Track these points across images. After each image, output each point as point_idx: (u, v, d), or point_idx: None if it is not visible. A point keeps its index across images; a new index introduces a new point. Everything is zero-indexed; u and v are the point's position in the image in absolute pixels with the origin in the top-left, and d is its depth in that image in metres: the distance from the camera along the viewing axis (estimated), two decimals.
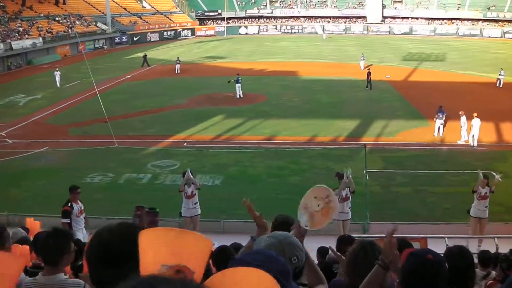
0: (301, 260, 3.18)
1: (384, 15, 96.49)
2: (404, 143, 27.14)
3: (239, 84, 39.40)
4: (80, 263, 6.39)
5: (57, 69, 47.70)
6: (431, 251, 3.69)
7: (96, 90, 30.97)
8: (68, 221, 13.68)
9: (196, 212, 15.65)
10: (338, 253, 7.70)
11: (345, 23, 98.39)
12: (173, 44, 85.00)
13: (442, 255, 4.31)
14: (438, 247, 7.92)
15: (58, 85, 46.08)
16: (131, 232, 2.51)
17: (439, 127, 28.09)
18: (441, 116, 27.96)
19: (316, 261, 8.93)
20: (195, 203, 15.61)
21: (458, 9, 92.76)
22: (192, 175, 15.98)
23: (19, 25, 69.78)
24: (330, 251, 9.29)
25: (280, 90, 42.14)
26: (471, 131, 26.43)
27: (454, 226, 16.25)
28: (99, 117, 30.12)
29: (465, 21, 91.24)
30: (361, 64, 52.26)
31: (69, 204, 13.93)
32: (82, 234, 13.54)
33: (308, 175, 22.76)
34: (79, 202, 14.25)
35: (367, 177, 18.59)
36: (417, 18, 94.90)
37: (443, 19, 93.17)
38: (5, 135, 30.90)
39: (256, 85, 43.74)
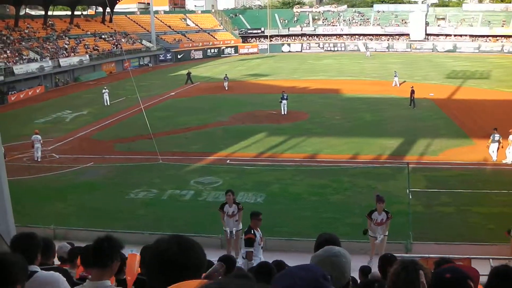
0: (335, 282, 3.22)
1: (428, 33, 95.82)
2: (447, 162, 26.78)
3: (285, 101, 39.60)
4: (123, 277, 6.55)
5: (105, 87, 48.53)
6: (454, 270, 3.70)
7: (142, 107, 31.48)
8: (253, 250, 12.48)
9: (237, 228, 15.73)
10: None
11: (388, 40, 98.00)
12: (217, 61, 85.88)
13: (488, 275, 4.34)
14: (482, 268, 7.87)
15: (107, 104, 46.82)
16: (187, 245, 2.67)
17: (494, 150, 26.73)
18: (496, 139, 26.51)
19: (358, 280, 8.99)
20: (236, 221, 15.75)
21: (503, 26, 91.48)
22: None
23: (67, 42, 71.37)
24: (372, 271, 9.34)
25: (322, 108, 42.13)
26: (507, 148, 26.10)
27: (499, 247, 15.98)
28: (144, 133, 30.58)
29: (510, 38, 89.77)
30: (395, 81, 53.00)
31: (252, 232, 12.75)
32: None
33: (350, 193, 22.69)
34: (259, 230, 13.21)
35: (410, 197, 18.46)
36: (461, 35, 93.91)
37: (487, 36, 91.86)
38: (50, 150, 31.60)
39: (298, 102, 43.79)
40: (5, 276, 3.82)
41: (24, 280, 4.01)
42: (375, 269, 9.51)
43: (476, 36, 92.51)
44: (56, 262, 8.15)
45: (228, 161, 28.21)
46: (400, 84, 52.52)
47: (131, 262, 5.06)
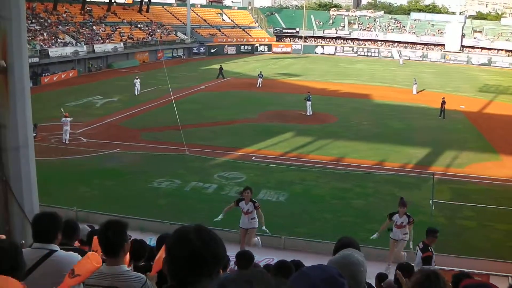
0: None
1: (463, 44, 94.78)
2: (473, 176, 26.50)
3: (310, 102, 39.64)
4: (142, 263, 6.60)
5: (137, 77, 48.78)
6: (487, 285, 3.69)
7: (172, 98, 31.63)
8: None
9: (251, 225, 15.75)
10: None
11: (422, 49, 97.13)
12: (249, 58, 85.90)
13: None
14: (501, 286, 7.79)
15: (138, 93, 47.06)
16: (209, 236, 2.70)
17: None
18: None
19: (374, 287, 8.96)
20: (252, 218, 15.70)
21: None
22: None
23: (103, 29, 72.00)
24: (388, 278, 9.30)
25: (351, 112, 41.96)
26: None
27: None
28: (172, 124, 30.71)
29: None
30: (414, 88, 53.51)
31: (429, 249, 12.65)
32: None
33: (372, 199, 22.57)
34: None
35: (433, 208, 18.33)
36: (497, 50, 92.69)
37: None
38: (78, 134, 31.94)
39: (328, 105, 43.73)
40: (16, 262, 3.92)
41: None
42: (392, 276, 9.47)
43: None
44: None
45: (253, 158, 28.26)
46: (417, 92, 53.16)
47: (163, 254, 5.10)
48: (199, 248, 2.63)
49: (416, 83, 53.81)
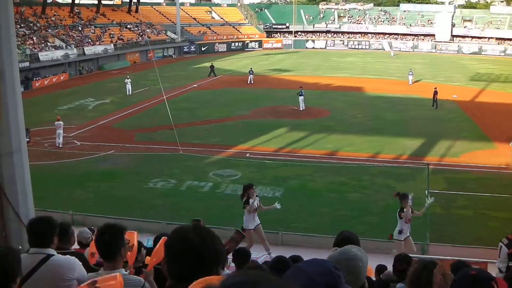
0: (349, 284, 3.17)
1: (453, 34, 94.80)
2: (468, 164, 26.53)
3: (302, 97, 39.63)
4: (139, 265, 6.59)
5: (128, 77, 48.72)
6: (480, 270, 3.70)
7: (164, 98, 31.55)
8: None
9: (258, 221, 15.59)
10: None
11: (413, 40, 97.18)
12: (240, 55, 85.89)
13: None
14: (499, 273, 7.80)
15: (129, 93, 47.10)
16: (208, 235, 2.70)
17: None
18: None
19: (373, 279, 8.95)
20: (256, 215, 15.61)
21: None
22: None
23: (93, 31, 71.84)
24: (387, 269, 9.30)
25: (344, 106, 41.95)
26: None
27: None
28: (165, 124, 30.66)
29: None
30: (409, 79, 53.83)
31: None
32: None
33: (369, 192, 22.58)
34: None
35: (429, 198, 18.33)
36: (487, 38, 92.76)
37: None
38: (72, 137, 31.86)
39: (320, 99, 43.71)
40: (6, 272, 3.85)
41: (20, 273, 4.05)
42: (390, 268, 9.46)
43: (502, 39, 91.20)
44: (76, 247, 8.25)
45: (247, 155, 28.23)
46: (412, 83, 53.46)
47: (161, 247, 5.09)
48: (197, 245, 2.64)
49: (411, 74, 53.95)
